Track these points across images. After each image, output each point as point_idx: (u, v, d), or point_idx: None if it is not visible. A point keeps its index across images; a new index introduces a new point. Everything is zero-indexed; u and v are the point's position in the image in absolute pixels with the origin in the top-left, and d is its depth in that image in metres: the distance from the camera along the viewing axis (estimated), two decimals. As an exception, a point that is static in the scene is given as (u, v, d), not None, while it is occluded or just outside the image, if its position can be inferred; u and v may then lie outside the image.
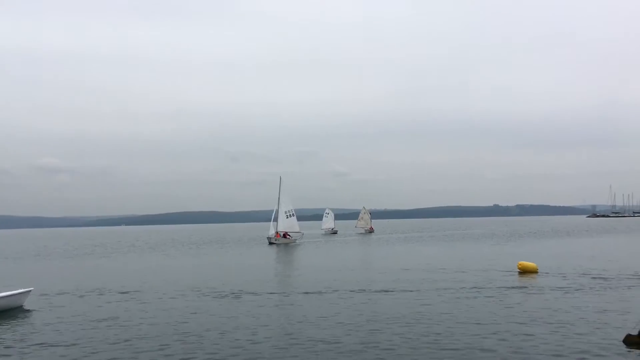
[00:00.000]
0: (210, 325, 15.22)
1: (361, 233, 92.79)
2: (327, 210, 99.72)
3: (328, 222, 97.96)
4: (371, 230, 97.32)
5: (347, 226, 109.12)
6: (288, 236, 63.13)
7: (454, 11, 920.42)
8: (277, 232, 62.62)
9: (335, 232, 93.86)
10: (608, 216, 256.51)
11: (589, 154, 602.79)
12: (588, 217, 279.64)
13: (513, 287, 21.43)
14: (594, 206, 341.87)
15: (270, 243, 61.36)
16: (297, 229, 65.34)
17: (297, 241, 63.82)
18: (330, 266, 33.16)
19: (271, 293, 21.66)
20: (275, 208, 63.80)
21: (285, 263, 38.70)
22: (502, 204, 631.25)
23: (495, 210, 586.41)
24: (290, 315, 16.64)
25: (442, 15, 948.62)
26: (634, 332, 11.16)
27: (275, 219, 63.34)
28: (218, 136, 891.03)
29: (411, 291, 20.95)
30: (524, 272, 25.99)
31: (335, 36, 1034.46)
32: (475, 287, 21.39)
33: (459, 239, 68.42)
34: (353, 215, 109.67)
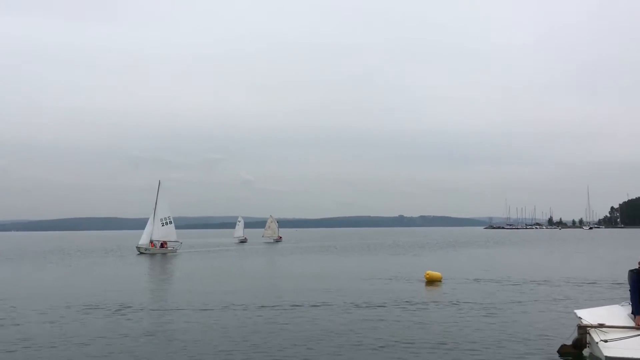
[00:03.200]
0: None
1: (269, 242, 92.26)
2: (239, 219, 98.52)
3: (239, 231, 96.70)
4: (279, 240, 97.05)
5: (256, 234, 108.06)
6: (165, 245, 58.46)
7: (371, 30, 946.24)
8: (151, 242, 57.76)
9: (244, 241, 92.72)
10: (503, 228, 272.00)
11: (487, 169, 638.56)
12: (485, 228, 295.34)
13: (428, 300, 20.73)
14: (490, 218, 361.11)
15: (140, 253, 56.19)
16: (174, 238, 60.27)
17: (177, 250, 59.48)
18: (201, 278, 31.17)
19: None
20: (151, 215, 58.90)
21: (148, 276, 35.55)
22: (407, 215, 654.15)
23: (400, 221, 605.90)
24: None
25: (357, 34, 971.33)
26: (569, 342, 11.08)
27: (151, 227, 58.35)
28: (122, 140, 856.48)
29: (300, 306, 19.16)
30: (431, 281, 26.76)
31: (247, 45, 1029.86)
32: (384, 299, 20.72)
33: (365, 248, 69.60)
34: (263, 223, 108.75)
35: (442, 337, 13.65)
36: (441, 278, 27.08)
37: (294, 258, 50.93)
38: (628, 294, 20.54)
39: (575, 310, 11.45)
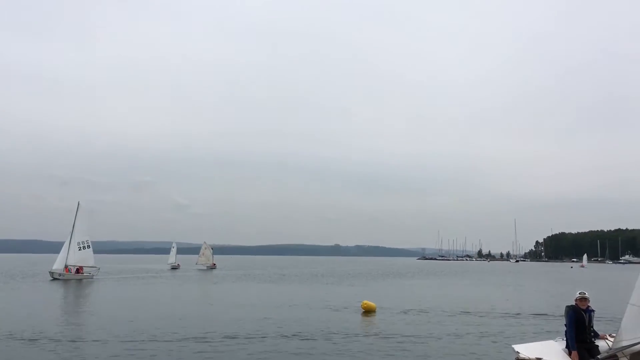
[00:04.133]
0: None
1: (203, 269, 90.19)
2: (173, 245, 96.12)
3: (172, 257, 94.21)
4: (213, 267, 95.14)
5: (190, 261, 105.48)
6: (81, 271, 55.16)
7: (302, 56, 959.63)
8: (66, 267, 54.37)
9: (176, 267, 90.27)
10: (435, 259, 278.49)
11: (421, 201, 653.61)
12: (418, 259, 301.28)
13: (363, 332, 20.68)
14: (423, 249, 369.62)
15: (54, 278, 53.05)
16: (92, 263, 56.88)
17: (94, 277, 56.20)
18: (122, 307, 29.30)
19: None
20: (67, 239, 55.50)
21: (62, 303, 33.46)
22: (343, 244, 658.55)
23: (336, 250, 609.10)
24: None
25: (290, 59, 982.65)
26: None
27: (68, 251, 55.00)
28: (45, 159, 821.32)
29: (231, 337, 18.44)
30: (367, 311, 26.88)
31: (176, 66, 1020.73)
32: (320, 329, 20.59)
33: (301, 277, 69.29)
34: (196, 249, 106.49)
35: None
36: (375, 308, 27.31)
37: (228, 286, 49.93)
38: (552, 326, 21.70)
39: (513, 345, 11.73)
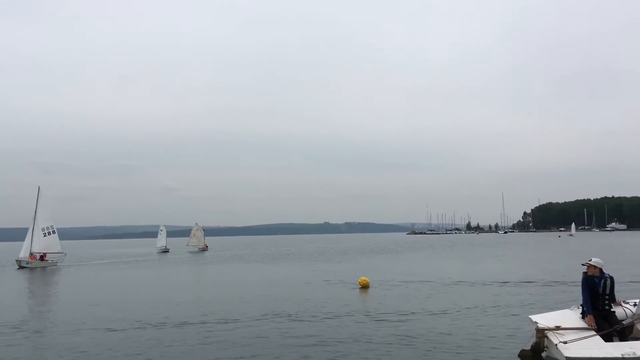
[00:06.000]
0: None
1: (194, 252, 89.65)
2: (161, 227, 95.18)
3: (161, 240, 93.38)
4: (205, 248, 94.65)
5: (180, 244, 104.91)
6: (45, 258, 53.29)
7: (287, 34, 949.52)
8: (31, 254, 52.43)
9: (167, 251, 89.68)
10: (425, 233, 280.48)
11: (409, 176, 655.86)
12: (408, 234, 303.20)
13: (365, 309, 20.22)
14: (413, 224, 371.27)
15: (21, 267, 51.05)
16: (58, 249, 54.99)
17: (57, 264, 54.29)
18: (95, 293, 28.08)
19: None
20: (30, 225, 53.44)
21: (26, 292, 31.21)
22: (332, 221, 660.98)
23: (326, 228, 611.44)
24: None
25: (272, 39, 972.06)
26: (527, 347, 11.17)
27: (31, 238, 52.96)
28: (25, 146, 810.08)
29: (225, 322, 18.22)
30: (364, 287, 26.65)
31: (158, 49, 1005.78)
32: (321, 308, 20.26)
33: (294, 255, 69.16)
34: (187, 232, 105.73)
35: (390, 348, 13.27)
36: (369, 284, 27.03)
37: (221, 267, 49.53)
38: (553, 294, 21.67)
39: (530, 316, 11.66)
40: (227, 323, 16.99)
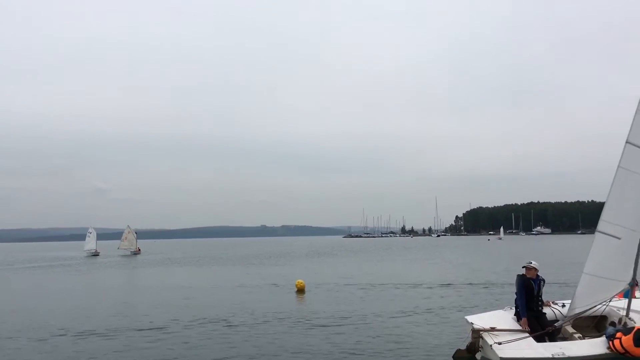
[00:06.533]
0: None
1: (125, 255, 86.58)
2: (90, 230, 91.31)
3: (90, 243, 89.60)
4: (137, 252, 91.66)
5: (111, 247, 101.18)
6: None
7: (237, 37, 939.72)
8: None
9: (97, 254, 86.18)
10: (361, 236, 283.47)
11: (345, 179, 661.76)
12: (344, 237, 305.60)
13: (300, 313, 20.00)
14: (349, 227, 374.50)
15: None
16: None
17: None
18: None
19: None
20: None
21: None
22: (269, 224, 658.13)
23: (263, 231, 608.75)
24: None
25: (220, 41, 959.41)
26: (463, 347, 11.25)
27: None
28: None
29: (151, 329, 17.23)
30: (300, 290, 26.41)
31: (99, 44, 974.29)
32: (256, 313, 19.92)
33: (228, 259, 68.08)
34: (118, 235, 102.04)
35: (326, 353, 13.02)
36: (304, 286, 26.89)
37: (153, 271, 47.93)
38: (484, 296, 22.16)
39: (466, 317, 11.78)
40: (154, 330, 16.24)
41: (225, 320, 17.79)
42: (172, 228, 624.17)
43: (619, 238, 11.01)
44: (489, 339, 10.54)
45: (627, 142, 10.95)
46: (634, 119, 10.96)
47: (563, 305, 12.10)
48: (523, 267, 11.68)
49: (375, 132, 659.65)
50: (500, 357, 10.03)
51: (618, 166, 11.01)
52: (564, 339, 11.09)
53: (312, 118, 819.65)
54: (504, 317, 11.43)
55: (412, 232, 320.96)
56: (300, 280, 27.57)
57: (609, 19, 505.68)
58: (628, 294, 11.78)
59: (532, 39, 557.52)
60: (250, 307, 20.91)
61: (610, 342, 10.44)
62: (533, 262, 11.62)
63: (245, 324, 17.10)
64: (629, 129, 10.96)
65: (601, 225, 11.12)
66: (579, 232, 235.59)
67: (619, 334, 10.49)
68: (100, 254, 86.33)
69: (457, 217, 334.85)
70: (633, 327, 10.56)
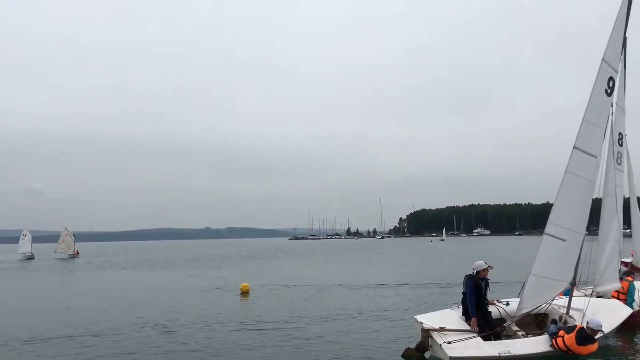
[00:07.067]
0: None
1: (63, 258, 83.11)
2: (24, 232, 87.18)
3: (25, 246, 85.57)
4: (76, 255, 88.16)
5: (48, 250, 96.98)
6: None
7: (190, 41, 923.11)
8: None
9: (32, 258, 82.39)
10: (306, 238, 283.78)
11: (292, 181, 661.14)
12: (290, 239, 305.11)
13: (246, 316, 19.61)
14: (295, 229, 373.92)
15: None
16: None
17: None
18: None
19: None
20: None
21: None
22: (214, 226, 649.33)
23: (207, 233, 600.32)
24: None
25: (172, 44, 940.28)
26: (412, 346, 11.24)
27: None
28: None
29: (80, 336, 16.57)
30: (245, 293, 25.91)
31: (47, 44, 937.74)
32: (199, 317, 19.43)
33: (170, 262, 66.45)
34: (55, 237, 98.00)
35: (271, 357, 12.65)
36: (249, 289, 26.46)
37: (91, 275, 46.07)
38: (429, 295, 22.35)
39: (416, 316, 11.81)
40: (86, 337, 15.44)
41: (163, 325, 17.02)
42: (113, 230, 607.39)
43: (564, 240, 11.35)
44: (439, 338, 10.66)
45: (574, 147, 11.30)
46: (581, 126, 11.29)
47: (507, 304, 12.39)
48: (473, 269, 11.76)
49: (322, 135, 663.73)
50: (450, 357, 10.16)
51: (565, 171, 11.33)
52: (509, 336, 11.32)
53: (260, 120, 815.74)
54: (452, 316, 11.59)
55: (357, 234, 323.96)
56: (244, 283, 27.12)
57: (562, 29, 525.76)
58: (568, 293, 12.13)
59: (484, 48, 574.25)
60: (190, 311, 20.25)
61: (554, 340, 10.68)
62: (487, 264, 11.81)
63: (184, 328, 16.42)
64: (574, 135, 11.35)
65: (548, 227, 11.40)
66: (516, 233, 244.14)
67: (561, 332, 10.73)
68: (35, 257, 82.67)
69: (401, 219, 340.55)
70: (575, 326, 10.82)
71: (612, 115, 12.02)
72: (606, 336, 11.72)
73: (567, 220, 11.34)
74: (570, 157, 11.29)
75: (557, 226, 11.31)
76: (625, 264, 24.18)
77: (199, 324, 17.23)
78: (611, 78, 11.63)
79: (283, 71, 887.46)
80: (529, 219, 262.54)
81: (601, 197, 12.54)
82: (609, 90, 11.63)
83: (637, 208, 27.25)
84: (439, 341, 10.55)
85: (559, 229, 11.30)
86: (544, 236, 11.41)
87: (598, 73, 11.46)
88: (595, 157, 11.52)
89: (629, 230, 25.23)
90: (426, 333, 10.89)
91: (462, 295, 11.68)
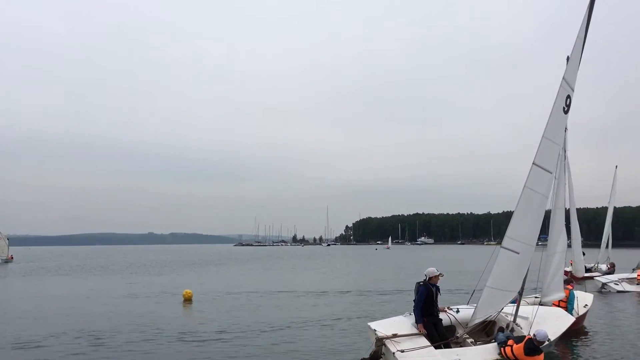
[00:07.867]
0: None
1: (-6, 263, 78.87)
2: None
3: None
4: (10, 259, 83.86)
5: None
6: None
7: (100, 39, 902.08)
8: None
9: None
10: (252, 245, 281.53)
11: (238, 187, 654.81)
12: (235, 246, 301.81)
13: (189, 324, 18.89)
14: (240, 235, 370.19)
15: None
16: None
17: None
18: None
19: None
20: None
21: None
22: (157, 232, 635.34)
23: (150, 238, 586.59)
24: None
25: (106, 44, 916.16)
26: (367, 356, 11.00)
27: None
28: None
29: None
30: (188, 300, 25.06)
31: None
32: (143, 326, 18.24)
33: (111, 268, 64.18)
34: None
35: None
36: (192, 296, 25.67)
37: (25, 280, 43.70)
38: (376, 302, 22.19)
39: (369, 323, 11.59)
40: (13, 349, 14.40)
41: (93, 335, 15.99)
42: (50, 234, 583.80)
43: (518, 253, 11.57)
44: (392, 346, 10.56)
45: (533, 163, 11.53)
46: (540, 143, 11.50)
47: (457, 311, 12.42)
48: (440, 276, 11.77)
49: (270, 141, 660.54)
50: None
51: (524, 186, 11.51)
52: (458, 344, 11.36)
53: (204, 124, 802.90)
54: (405, 323, 11.52)
55: (303, 241, 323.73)
56: (187, 290, 26.25)
57: (508, 49, 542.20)
58: (514, 302, 12.38)
59: (429, 59, 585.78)
60: (128, 319, 19.26)
61: (502, 349, 10.72)
62: (439, 270, 11.85)
63: (117, 338, 15.54)
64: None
65: (505, 241, 11.58)
66: (459, 242, 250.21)
67: (510, 342, 10.75)
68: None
69: (347, 226, 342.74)
70: (524, 336, 10.87)
71: (565, 132, 12.30)
72: (550, 344, 11.96)
73: (522, 234, 11.57)
74: (529, 173, 11.49)
75: (513, 240, 11.49)
76: (565, 272, 24.84)
77: (136, 333, 16.36)
78: (569, 97, 11.91)
79: (231, 72, 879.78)
80: (470, 229, 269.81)
81: (550, 209, 12.81)
82: (566, 109, 11.89)
83: (576, 219, 28.28)
84: (392, 349, 10.44)
85: (514, 243, 11.50)
86: (500, 250, 11.56)
87: (558, 91, 11.68)
88: (551, 173, 11.84)
89: (568, 241, 25.93)
90: (380, 342, 10.75)
91: (413, 303, 11.59)
